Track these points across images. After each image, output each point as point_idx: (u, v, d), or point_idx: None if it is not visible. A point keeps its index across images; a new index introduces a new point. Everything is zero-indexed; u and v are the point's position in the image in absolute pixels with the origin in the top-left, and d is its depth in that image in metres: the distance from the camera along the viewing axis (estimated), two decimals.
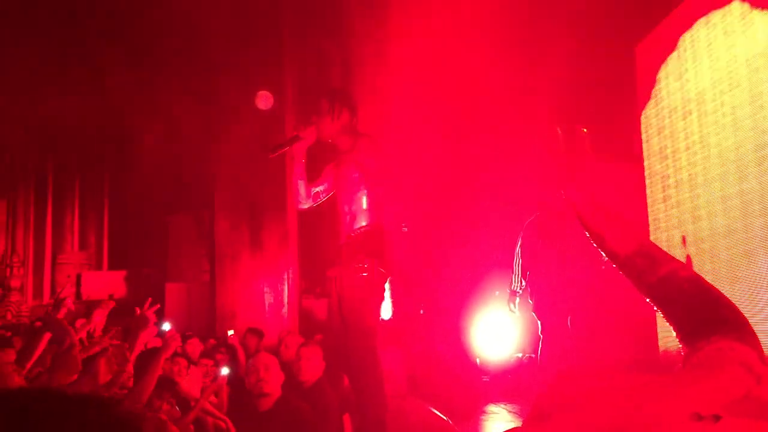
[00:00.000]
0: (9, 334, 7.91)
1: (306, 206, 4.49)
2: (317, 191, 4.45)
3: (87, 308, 7.93)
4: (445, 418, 4.85)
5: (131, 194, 12.62)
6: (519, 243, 5.95)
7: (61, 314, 4.70)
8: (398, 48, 9.10)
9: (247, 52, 10.36)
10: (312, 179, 4.43)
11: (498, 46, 8.63)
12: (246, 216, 10.20)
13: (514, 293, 5.92)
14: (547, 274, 5.68)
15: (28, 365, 3.98)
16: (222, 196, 10.57)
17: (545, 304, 5.70)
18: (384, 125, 8.50)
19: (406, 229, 8.34)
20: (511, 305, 5.93)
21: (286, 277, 10.02)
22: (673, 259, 1.14)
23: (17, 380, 3.58)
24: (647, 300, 1.13)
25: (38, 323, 4.67)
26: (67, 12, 11.42)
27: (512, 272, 5.95)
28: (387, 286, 4.21)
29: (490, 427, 6.51)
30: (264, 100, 11.36)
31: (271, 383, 4.18)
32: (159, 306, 4.53)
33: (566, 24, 8.39)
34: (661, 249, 1.17)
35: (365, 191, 4.13)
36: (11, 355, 3.74)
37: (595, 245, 1.26)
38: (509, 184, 8.91)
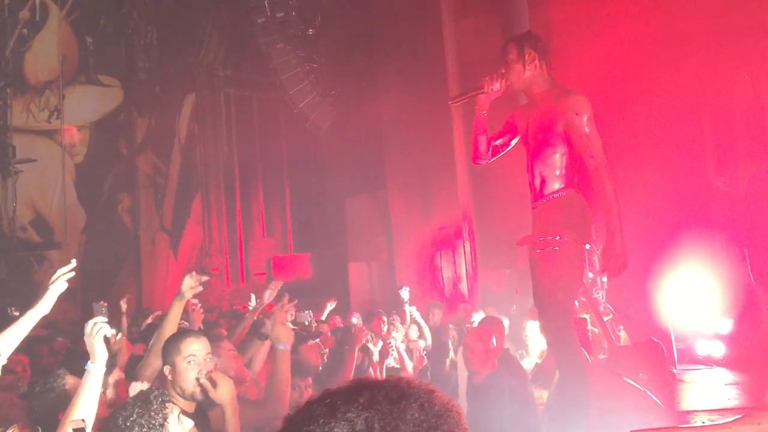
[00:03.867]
0: (214, 316, 8.69)
1: (484, 162, 4.13)
2: (497, 144, 4.09)
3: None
4: (641, 388, 4.71)
5: (309, 181, 13.27)
6: None
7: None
8: (560, 16, 8.81)
9: (408, 30, 10.51)
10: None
11: None
12: (419, 193, 10.39)
13: None
14: None
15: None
16: (394, 176, 10.85)
17: None
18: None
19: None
20: None
21: (462, 250, 10.13)
22: None
23: (239, 363, 3.93)
24: None
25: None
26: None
27: None
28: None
29: (687, 396, 6.24)
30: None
31: (479, 360, 4.25)
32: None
33: None
34: None
35: (560, 149, 3.69)
36: (228, 343, 4.08)
37: None
38: (699, 132, 8.41)
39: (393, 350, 6.26)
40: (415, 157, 10.16)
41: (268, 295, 5.25)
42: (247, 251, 14.12)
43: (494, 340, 4.47)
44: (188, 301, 4.38)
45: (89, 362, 2.66)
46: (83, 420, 2.39)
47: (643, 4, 8.33)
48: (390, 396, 0.97)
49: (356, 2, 11.69)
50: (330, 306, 7.16)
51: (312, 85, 12.04)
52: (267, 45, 11.87)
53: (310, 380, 4.49)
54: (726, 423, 1.02)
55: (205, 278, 3.67)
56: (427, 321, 8.01)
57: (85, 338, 2.71)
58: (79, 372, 3.52)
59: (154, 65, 14.72)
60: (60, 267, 2.93)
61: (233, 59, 13.98)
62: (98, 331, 2.70)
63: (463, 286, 10.03)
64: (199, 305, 5.02)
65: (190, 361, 2.97)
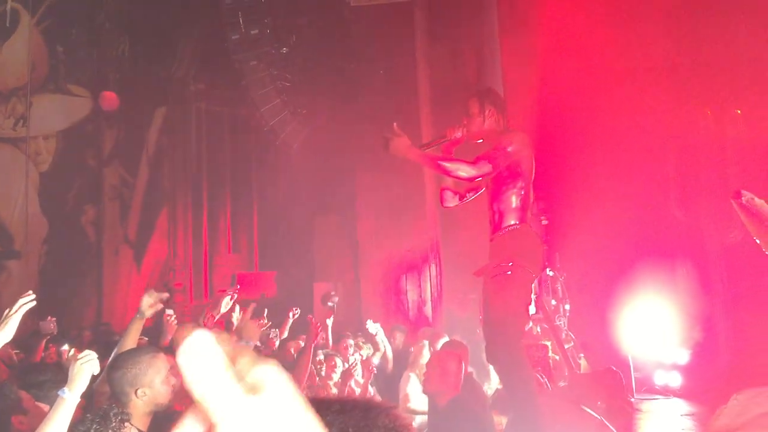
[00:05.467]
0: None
1: (452, 204, 4.45)
2: (462, 191, 4.39)
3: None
4: (597, 416, 4.74)
5: (277, 199, 13.23)
6: None
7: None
8: (530, 44, 8.97)
9: (382, 53, 10.60)
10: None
11: (647, 26, 8.34)
12: (387, 216, 10.42)
13: None
14: None
15: None
16: (363, 197, 10.87)
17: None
18: (520, 123, 8.41)
19: (546, 222, 8.21)
20: None
21: (428, 275, 10.15)
22: None
23: (182, 377, 3.91)
24: None
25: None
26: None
27: None
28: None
29: (644, 426, 6.30)
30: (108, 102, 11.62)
31: (443, 383, 4.30)
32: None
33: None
34: None
35: (514, 189, 4.03)
36: (170, 359, 4.06)
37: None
38: (658, 169, 8.57)
39: (355, 372, 6.26)
40: (384, 179, 10.19)
41: (225, 302, 5.17)
42: (211, 267, 13.98)
43: (462, 363, 4.50)
44: (164, 313, 4.35)
45: (65, 389, 2.56)
46: None
47: (611, 37, 8.52)
48: (360, 405, 1.00)
49: (331, 23, 11.76)
50: (292, 316, 7.07)
51: (284, 103, 12.05)
52: (240, 62, 11.86)
53: None
54: None
55: (164, 295, 3.65)
56: (390, 344, 8.00)
57: (72, 365, 2.64)
58: (33, 384, 3.47)
59: (126, 77, 14.59)
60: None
61: (206, 74, 13.95)
62: (88, 361, 2.63)
63: (428, 309, 10.05)
64: (174, 317, 4.97)
65: (170, 374, 3.00)
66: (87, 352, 2.69)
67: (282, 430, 0.55)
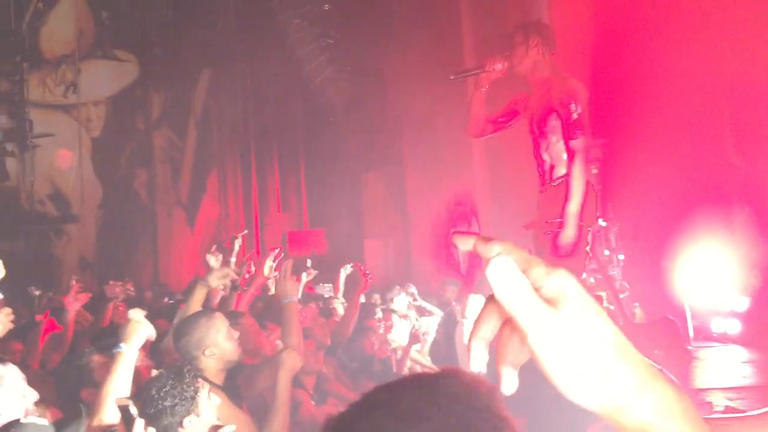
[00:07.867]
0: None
1: (480, 137, 4.52)
2: (499, 122, 4.36)
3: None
4: (657, 366, 4.73)
5: (325, 157, 13.27)
6: None
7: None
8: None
9: (424, 5, 10.45)
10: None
11: None
12: (434, 169, 10.38)
13: None
14: None
15: None
16: (410, 152, 10.84)
17: None
18: (569, 65, 8.20)
19: (595, 171, 8.08)
20: None
21: (477, 228, 10.12)
22: None
23: (259, 337, 4.02)
24: None
25: None
26: None
27: None
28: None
29: (702, 374, 6.26)
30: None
31: None
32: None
33: None
34: None
35: (568, 138, 3.90)
36: (249, 319, 4.19)
37: None
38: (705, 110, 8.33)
39: (425, 335, 6.25)
40: (431, 134, 10.13)
41: (268, 266, 4.93)
42: (262, 226, 14.17)
43: None
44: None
45: (122, 343, 2.60)
46: (128, 398, 2.38)
47: None
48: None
49: None
50: (345, 272, 6.88)
51: (328, 60, 12.00)
52: (284, 20, 11.83)
53: (321, 356, 4.53)
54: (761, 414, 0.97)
55: (233, 275, 3.77)
56: (442, 298, 8.05)
57: (125, 325, 2.68)
58: (105, 347, 3.57)
59: (170, 40, 14.70)
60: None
61: (249, 34, 13.95)
62: (140, 321, 2.67)
63: (478, 262, 10.05)
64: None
65: (230, 331, 3.15)
66: (136, 310, 2.76)
67: (583, 339, 0.64)
